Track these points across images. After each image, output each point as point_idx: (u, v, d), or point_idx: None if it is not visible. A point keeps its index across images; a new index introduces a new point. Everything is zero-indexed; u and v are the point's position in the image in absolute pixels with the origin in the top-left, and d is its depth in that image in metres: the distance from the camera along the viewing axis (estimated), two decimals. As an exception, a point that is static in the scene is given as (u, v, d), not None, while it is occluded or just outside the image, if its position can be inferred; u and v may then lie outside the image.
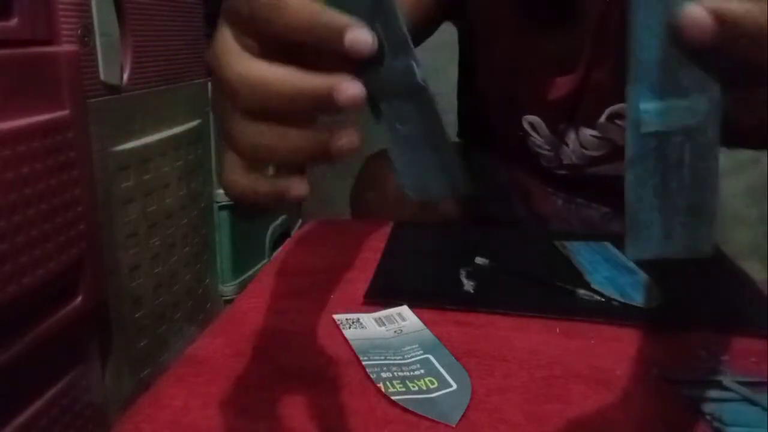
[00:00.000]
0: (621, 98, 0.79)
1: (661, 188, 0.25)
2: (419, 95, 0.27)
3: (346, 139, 0.26)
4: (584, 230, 0.95)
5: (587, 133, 0.84)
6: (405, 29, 0.26)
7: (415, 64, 0.26)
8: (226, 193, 0.31)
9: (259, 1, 0.26)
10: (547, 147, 0.88)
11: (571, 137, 0.86)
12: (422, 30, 0.83)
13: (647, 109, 0.24)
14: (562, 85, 0.81)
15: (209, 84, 1.13)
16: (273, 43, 0.26)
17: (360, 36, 0.25)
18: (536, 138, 0.87)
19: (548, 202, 0.97)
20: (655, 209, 0.25)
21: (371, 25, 0.25)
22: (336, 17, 0.25)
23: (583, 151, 0.86)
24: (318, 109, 0.26)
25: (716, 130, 0.24)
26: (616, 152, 0.85)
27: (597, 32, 0.76)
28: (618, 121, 0.82)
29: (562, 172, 0.91)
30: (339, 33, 0.25)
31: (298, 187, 0.28)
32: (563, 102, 0.82)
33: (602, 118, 0.82)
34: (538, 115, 0.85)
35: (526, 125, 0.87)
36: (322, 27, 0.25)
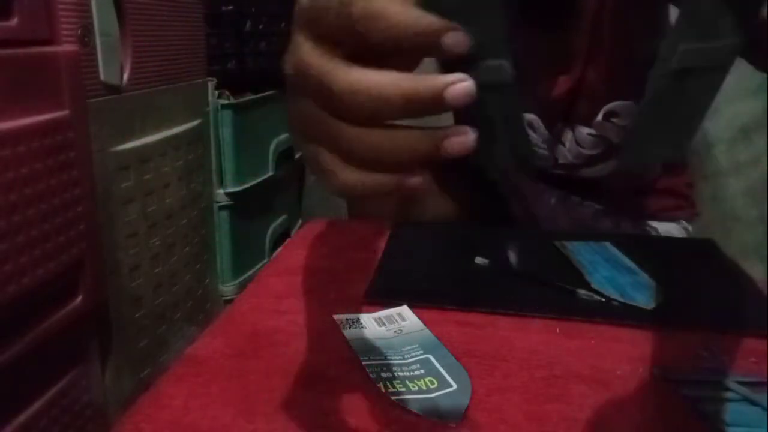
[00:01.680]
0: (616, 96, 0.80)
1: (667, 116, 0.28)
2: (506, 89, 0.29)
3: (461, 137, 0.26)
4: (575, 228, 0.95)
5: (584, 131, 0.85)
6: (503, 30, 0.27)
7: (507, 63, 0.28)
8: (333, 192, 0.30)
9: (355, 13, 0.26)
10: (543, 146, 0.88)
11: (568, 136, 0.86)
12: None
13: (687, 48, 0.27)
14: (558, 84, 0.81)
15: (209, 83, 1.13)
16: (365, 51, 0.27)
17: (458, 39, 0.26)
18: (534, 137, 0.88)
19: (540, 201, 0.97)
20: (656, 131, 0.29)
21: (468, 24, 0.26)
22: (434, 23, 0.26)
23: (580, 149, 0.87)
24: (430, 110, 0.26)
25: (730, 67, 0.27)
26: (610, 150, 0.86)
27: (592, 31, 0.76)
28: (614, 119, 0.82)
29: (558, 171, 0.91)
30: (437, 37, 0.25)
31: (416, 179, 0.28)
32: (560, 100, 0.82)
33: (599, 117, 0.82)
34: (536, 114, 0.86)
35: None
36: (421, 33, 0.26)
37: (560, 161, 0.90)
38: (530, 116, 0.87)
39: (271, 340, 0.54)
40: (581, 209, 0.95)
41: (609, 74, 0.79)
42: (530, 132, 0.87)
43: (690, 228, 0.96)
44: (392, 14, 0.26)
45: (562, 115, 0.85)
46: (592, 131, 0.84)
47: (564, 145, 0.87)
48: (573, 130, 0.85)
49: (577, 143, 0.86)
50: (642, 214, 0.94)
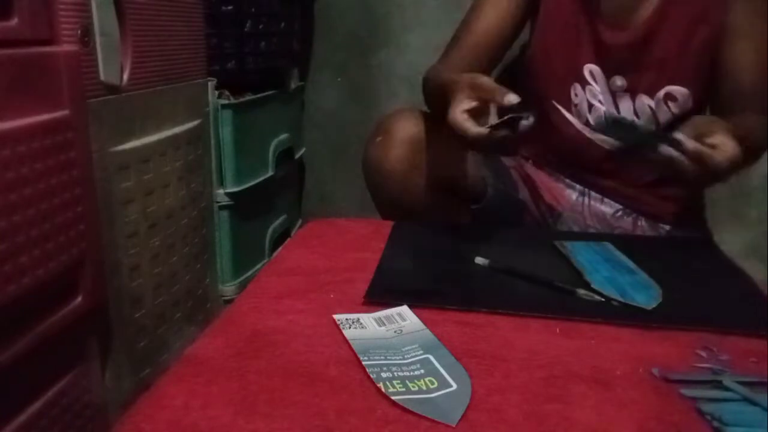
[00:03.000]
0: (680, 80, 0.87)
1: None
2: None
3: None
4: (595, 225, 0.95)
5: (645, 102, 0.90)
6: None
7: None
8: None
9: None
10: (600, 98, 0.92)
11: (626, 105, 0.91)
12: (519, 27, 0.96)
13: None
14: (623, 34, 0.88)
15: (209, 83, 1.13)
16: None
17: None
18: (594, 86, 0.92)
19: (562, 196, 0.97)
20: None
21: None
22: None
23: (635, 119, 0.91)
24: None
25: None
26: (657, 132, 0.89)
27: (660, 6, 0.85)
28: (670, 103, 0.89)
29: (599, 138, 0.94)
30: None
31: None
32: (619, 52, 0.89)
33: (661, 94, 0.88)
34: (596, 64, 0.91)
35: (586, 73, 0.93)
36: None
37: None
38: (590, 66, 0.92)
39: (271, 340, 0.54)
40: (602, 206, 0.96)
41: (680, 54, 0.86)
42: (591, 82, 0.93)
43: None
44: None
45: (621, 69, 0.90)
46: (652, 104, 0.89)
47: (619, 112, 0.92)
48: (634, 99, 0.90)
49: (635, 113, 0.91)
50: (658, 218, 0.95)
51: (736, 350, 0.52)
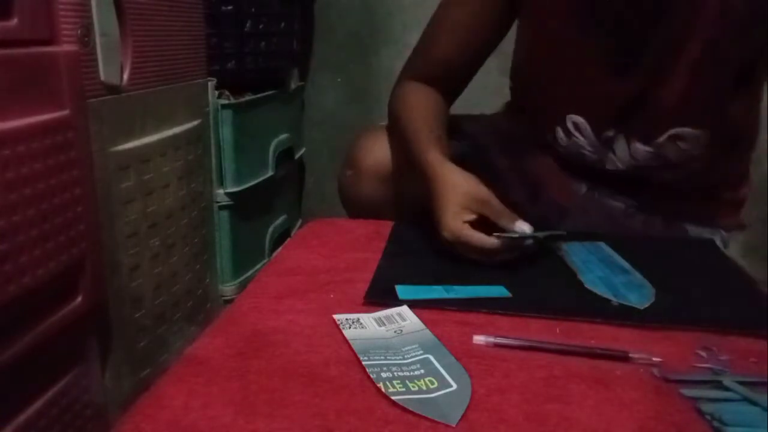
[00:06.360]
0: (684, 122, 0.79)
1: None
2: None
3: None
4: (604, 222, 0.92)
5: (641, 148, 0.82)
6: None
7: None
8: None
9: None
10: (590, 149, 0.86)
11: (621, 147, 0.84)
12: (497, 36, 0.88)
13: None
14: (616, 91, 0.80)
15: (209, 83, 1.13)
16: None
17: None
18: (579, 139, 0.86)
19: (569, 190, 0.93)
20: None
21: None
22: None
23: (633, 162, 0.84)
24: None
25: None
26: (667, 166, 0.83)
27: (665, 49, 0.76)
28: (679, 143, 0.80)
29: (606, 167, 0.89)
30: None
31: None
32: (615, 108, 0.81)
33: (662, 138, 0.80)
34: (583, 116, 0.84)
35: (569, 124, 0.85)
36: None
37: (608, 167, 0.87)
38: (577, 118, 0.84)
39: (271, 340, 0.54)
40: (612, 202, 0.91)
41: (683, 99, 0.77)
42: (576, 134, 0.86)
43: (726, 236, 0.93)
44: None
45: (614, 123, 0.82)
46: (651, 149, 0.82)
47: (615, 154, 0.85)
48: (629, 143, 0.83)
49: (632, 156, 0.84)
50: (676, 215, 0.89)
51: (736, 350, 0.52)
